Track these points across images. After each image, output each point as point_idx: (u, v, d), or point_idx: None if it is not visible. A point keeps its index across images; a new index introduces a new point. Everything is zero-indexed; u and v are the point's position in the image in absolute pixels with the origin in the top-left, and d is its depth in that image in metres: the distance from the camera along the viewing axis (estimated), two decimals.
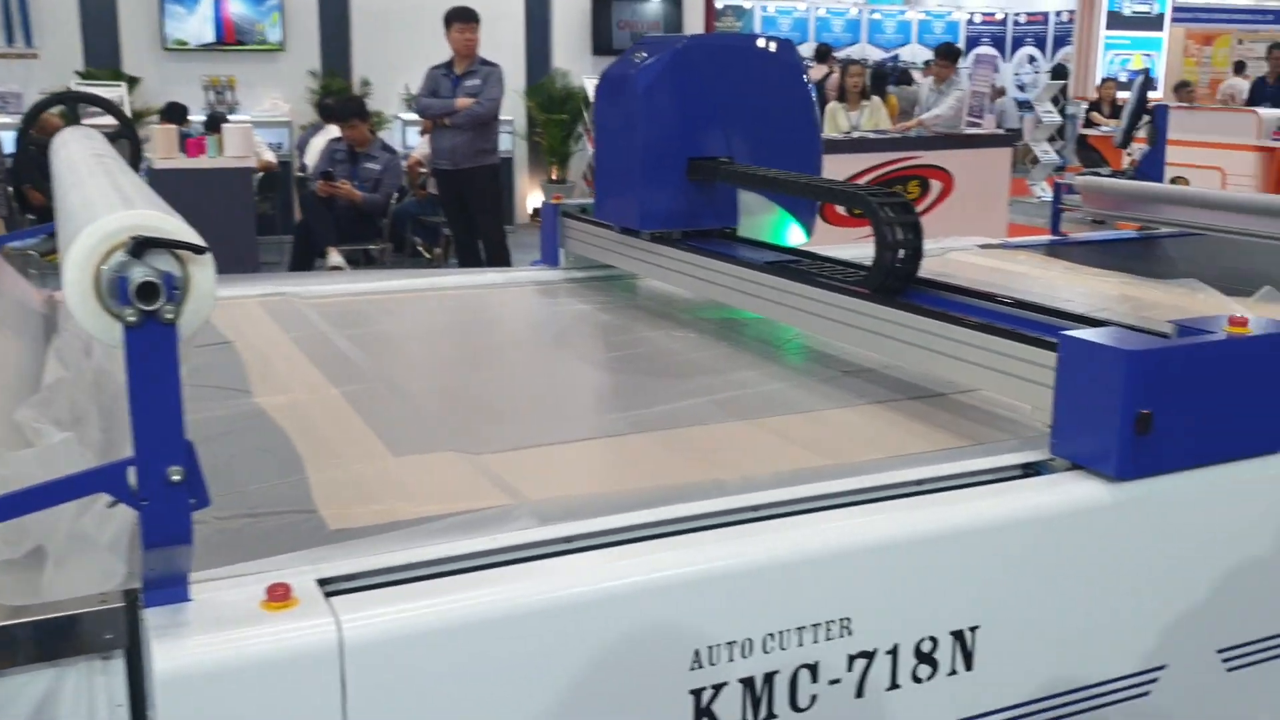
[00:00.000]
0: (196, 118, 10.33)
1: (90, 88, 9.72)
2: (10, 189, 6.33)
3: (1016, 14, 21.30)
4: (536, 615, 1.32)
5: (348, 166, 8.87)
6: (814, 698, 1.48)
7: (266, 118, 11.51)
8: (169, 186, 7.74)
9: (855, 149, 8.80)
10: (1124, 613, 1.67)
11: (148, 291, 1.13)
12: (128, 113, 9.38)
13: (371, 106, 10.51)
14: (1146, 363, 1.60)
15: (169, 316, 1.14)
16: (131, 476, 1.18)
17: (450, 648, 1.27)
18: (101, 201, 1.35)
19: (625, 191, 2.95)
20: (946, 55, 11.82)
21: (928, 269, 2.31)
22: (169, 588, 1.24)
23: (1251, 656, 1.79)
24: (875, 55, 20.14)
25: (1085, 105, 15.98)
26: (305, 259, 8.70)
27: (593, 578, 1.37)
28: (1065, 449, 1.69)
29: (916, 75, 17.32)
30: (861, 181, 7.81)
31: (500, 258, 8.11)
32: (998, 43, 21.19)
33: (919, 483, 1.64)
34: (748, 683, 1.44)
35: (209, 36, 11.65)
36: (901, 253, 2.23)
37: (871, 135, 9.77)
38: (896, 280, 2.24)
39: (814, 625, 1.46)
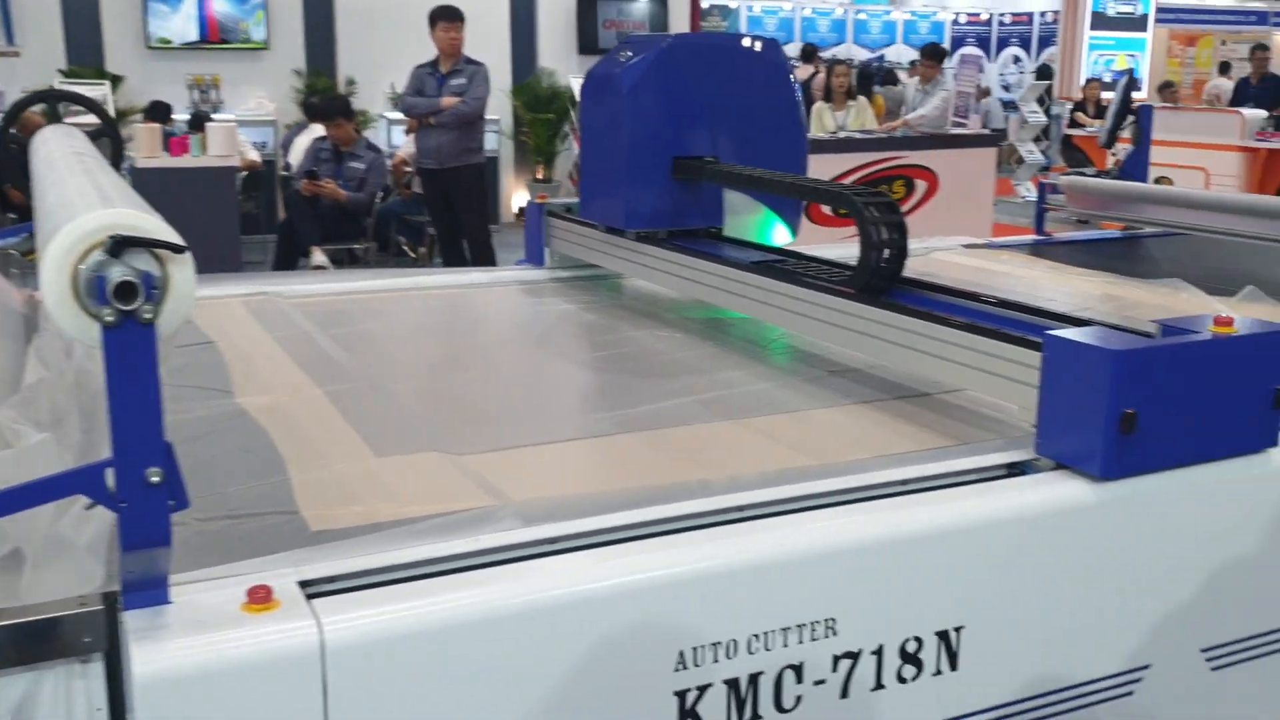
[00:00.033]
0: (180, 116, 10.28)
1: (73, 86, 9.65)
2: None
3: (1001, 14, 21.38)
4: (519, 617, 1.31)
5: (332, 165, 8.84)
6: (799, 698, 1.48)
7: (251, 117, 11.46)
8: (152, 185, 7.70)
9: (841, 149, 8.81)
10: (1108, 612, 1.68)
11: (126, 291, 1.12)
12: (111, 111, 9.33)
13: (356, 105, 10.47)
14: (1131, 362, 1.60)
15: (147, 316, 1.13)
16: (110, 478, 1.17)
17: (433, 650, 1.26)
18: (80, 200, 1.34)
19: (610, 191, 2.95)
20: (932, 55, 11.85)
21: (913, 269, 2.31)
22: (148, 590, 1.23)
23: (1235, 656, 1.80)
24: (861, 55, 20.18)
25: (1070, 105, 16.04)
26: (289, 258, 8.67)
27: (577, 579, 1.36)
28: (1050, 449, 1.69)
29: (902, 75, 17.35)
30: (847, 181, 7.82)
31: (485, 257, 8.09)
32: (983, 43, 21.26)
33: (904, 483, 1.64)
34: (732, 684, 1.43)
35: (193, 35, 11.59)
36: (887, 252, 2.23)
37: (857, 135, 9.78)
38: (882, 280, 2.24)
39: (799, 626, 1.45)
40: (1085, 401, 1.62)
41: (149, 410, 1.15)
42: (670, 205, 2.89)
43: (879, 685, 1.52)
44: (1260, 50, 15.66)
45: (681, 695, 1.41)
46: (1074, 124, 14.85)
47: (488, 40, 10.96)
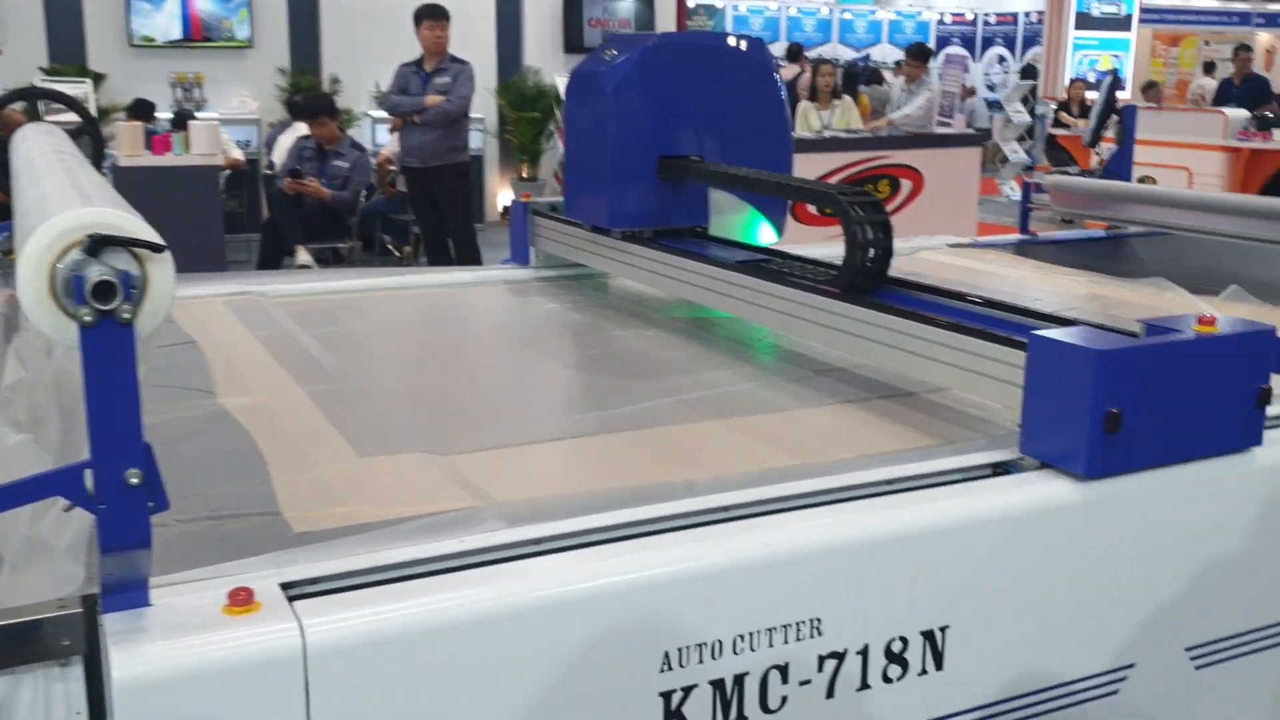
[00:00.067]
0: (164, 115, 10.22)
1: (54, 84, 9.59)
2: None
3: (986, 14, 21.45)
4: (503, 619, 1.30)
5: (316, 164, 8.81)
6: (784, 699, 1.47)
7: (234, 115, 11.42)
8: (135, 184, 7.66)
9: (826, 148, 8.82)
10: (1093, 611, 1.68)
11: (104, 291, 1.10)
12: (93, 110, 9.28)
13: (341, 104, 10.43)
14: (1116, 362, 1.60)
15: (126, 316, 1.12)
16: (89, 480, 1.16)
17: (416, 652, 1.26)
18: (58, 199, 1.32)
19: (595, 190, 2.94)
20: (917, 55, 11.87)
21: (898, 268, 2.31)
22: (128, 592, 1.22)
23: (1219, 654, 1.80)
24: (846, 55, 20.23)
25: (1054, 105, 16.10)
26: (273, 257, 8.63)
27: (561, 580, 1.36)
28: (1035, 448, 1.69)
29: (887, 75, 17.39)
30: (832, 181, 7.84)
31: (470, 256, 8.07)
32: (968, 43, 21.33)
33: (889, 482, 1.63)
34: (718, 684, 1.43)
35: (176, 33, 11.54)
36: (872, 252, 2.22)
37: (842, 135, 9.80)
38: (867, 279, 2.23)
39: (784, 626, 1.45)
40: (1070, 401, 1.62)
41: (128, 411, 1.14)
42: (655, 204, 2.88)
43: (864, 685, 1.52)
44: (1243, 50, 15.76)
45: (667, 696, 1.40)
46: (1058, 124, 14.90)
47: (473, 38, 10.94)
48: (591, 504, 1.51)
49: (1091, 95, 13.63)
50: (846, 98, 11.17)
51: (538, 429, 2.06)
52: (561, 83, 11.46)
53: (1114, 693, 1.70)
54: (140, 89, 10.77)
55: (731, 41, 3.07)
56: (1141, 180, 6.00)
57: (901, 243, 3.06)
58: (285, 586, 1.28)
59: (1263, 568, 1.82)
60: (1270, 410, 1.77)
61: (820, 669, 1.48)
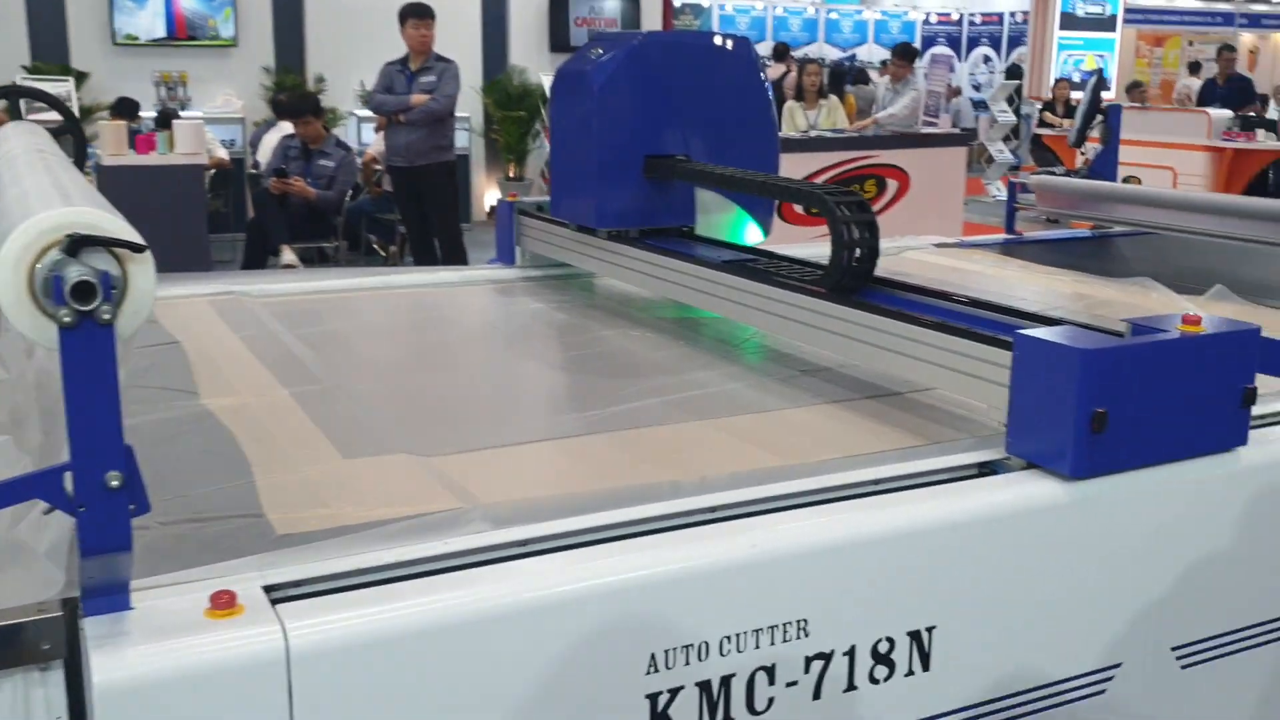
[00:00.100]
0: (147, 114, 10.18)
1: (36, 82, 9.53)
2: None
3: (972, 14, 21.51)
4: (488, 621, 1.29)
5: (301, 163, 8.78)
6: (771, 700, 1.47)
7: (219, 114, 11.37)
8: (118, 183, 7.62)
9: (812, 148, 8.83)
10: (1079, 611, 1.68)
11: (84, 291, 1.09)
12: (75, 109, 9.23)
13: (326, 103, 10.41)
14: (1101, 362, 1.60)
15: (106, 317, 1.11)
16: (68, 482, 1.15)
17: (400, 656, 1.25)
18: (38, 198, 1.31)
19: (581, 189, 2.93)
20: (903, 55, 11.90)
21: (884, 268, 2.31)
22: (109, 596, 1.21)
23: (1204, 654, 1.80)
24: (832, 54, 20.27)
25: (1039, 105, 16.15)
26: (258, 257, 8.60)
27: (547, 582, 1.35)
28: (1021, 448, 1.69)
29: (873, 75, 17.43)
30: (819, 180, 7.84)
31: (456, 256, 8.06)
32: (953, 43, 21.39)
33: (875, 483, 1.63)
34: (704, 686, 1.42)
35: (160, 31, 11.48)
36: (858, 251, 2.22)
37: (829, 134, 9.82)
38: (853, 279, 2.23)
39: (771, 627, 1.45)
40: (1055, 400, 1.62)
41: (108, 413, 1.13)
42: (642, 204, 2.88)
43: (851, 686, 1.52)
44: (1227, 51, 15.84)
45: (653, 698, 1.39)
46: (1043, 123, 14.95)
47: (458, 37, 10.92)
48: (577, 505, 1.50)
49: (1076, 95, 13.67)
50: (833, 97, 11.19)
51: (523, 430, 2.06)
52: (547, 82, 11.46)
53: (1101, 692, 1.70)
54: (124, 88, 10.71)
55: (718, 40, 3.06)
56: (1126, 180, 6.02)
57: (887, 242, 3.07)
58: (268, 589, 1.27)
59: (1248, 567, 1.83)
60: (1255, 410, 1.77)
61: (807, 670, 1.48)
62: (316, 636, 1.21)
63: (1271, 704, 1.91)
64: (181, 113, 10.58)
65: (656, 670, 1.39)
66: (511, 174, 12.46)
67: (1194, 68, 18.31)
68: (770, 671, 1.46)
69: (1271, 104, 15.68)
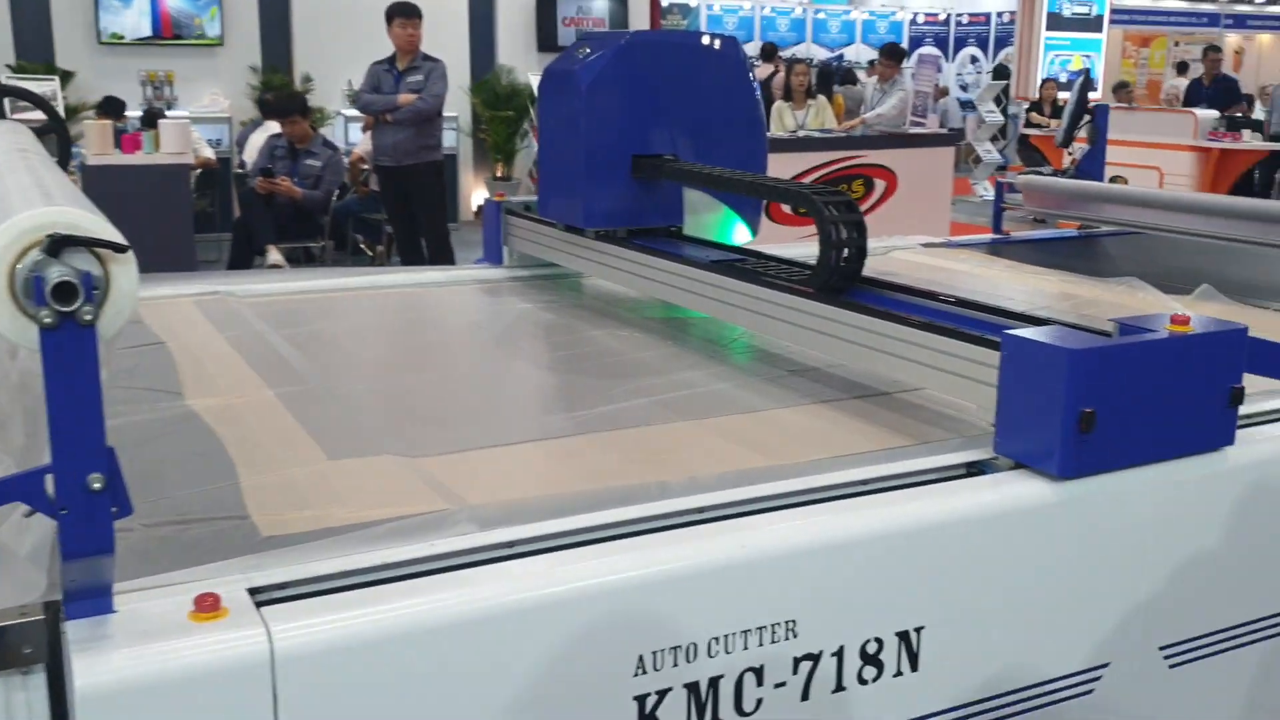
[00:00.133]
0: (133, 113, 10.14)
1: (21, 82, 9.49)
2: None
3: (959, 15, 21.56)
4: (475, 624, 1.28)
5: (288, 163, 8.75)
6: (759, 701, 1.46)
7: (205, 113, 11.33)
8: (104, 183, 7.59)
9: (800, 148, 8.85)
10: (1067, 611, 1.68)
11: (65, 292, 1.08)
12: (60, 108, 9.19)
13: (313, 102, 10.38)
14: (1089, 361, 1.60)
15: (88, 318, 1.09)
16: (50, 485, 1.13)
17: (386, 659, 1.24)
18: (19, 197, 1.30)
19: (569, 189, 2.92)
20: (891, 55, 11.91)
21: (872, 268, 2.31)
22: (91, 599, 1.20)
23: (1192, 653, 1.81)
24: (820, 54, 20.29)
25: (1026, 105, 16.20)
26: (244, 257, 8.57)
27: (534, 584, 1.34)
28: (1009, 448, 1.69)
29: (861, 75, 17.45)
30: (807, 180, 7.85)
31: (443, 256, 8.04)
32: (940, 43, 21.42)
33: (863, 483, 1.63)
34: (692, 687, 1.42)
35: (146, 30, 11.44)
36: (846, 251, 2.22)
37: (816, 134, 9.83)
38: (841, 279, 2.23)
39: (759, 628, 1.44)
40: (1044, 400, 1.62)
41: (90, 415, 1.12)
42: (630, 204, 2.87)
43: (840, 687, 1.51)
44: (1212, 51, 15.92)
45: (641, 700, 1.39)
46: (1030, 124, 15.00)
47: (446, 37, 10.89)
48: (564, 506, 1.49)
49: (1063, 95, 13.71)
50: (821, 97, 11.21)
51: (510, 430, 2.05)
52: (535, 81, 11.44)
53: (1089, 692, 1.70)
54: (109, 87, 10.67)
55: (706, 40, 3.06)
56: (1113, 180, 6.04)
57: (875, 242, 3.07)
58: (253, 592, 1.26)
59: (1235, 567, 1.83)
60: (1242, 409, 1.77)
61: (795, 671, 1.48)
62: (302, 639, 1.20)
63: (1259, 702, 1.91)
64: (168, 112, 10.55)
65: (644, 672, 1.38)
66: (499, 174, 12.44)
67: (1182, 68, 18.39)
68: (759, 672, 1.45)
69: (1257, 104, 15.78)
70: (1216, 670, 1.85)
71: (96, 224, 1.13)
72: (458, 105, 11.57)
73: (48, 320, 1.08)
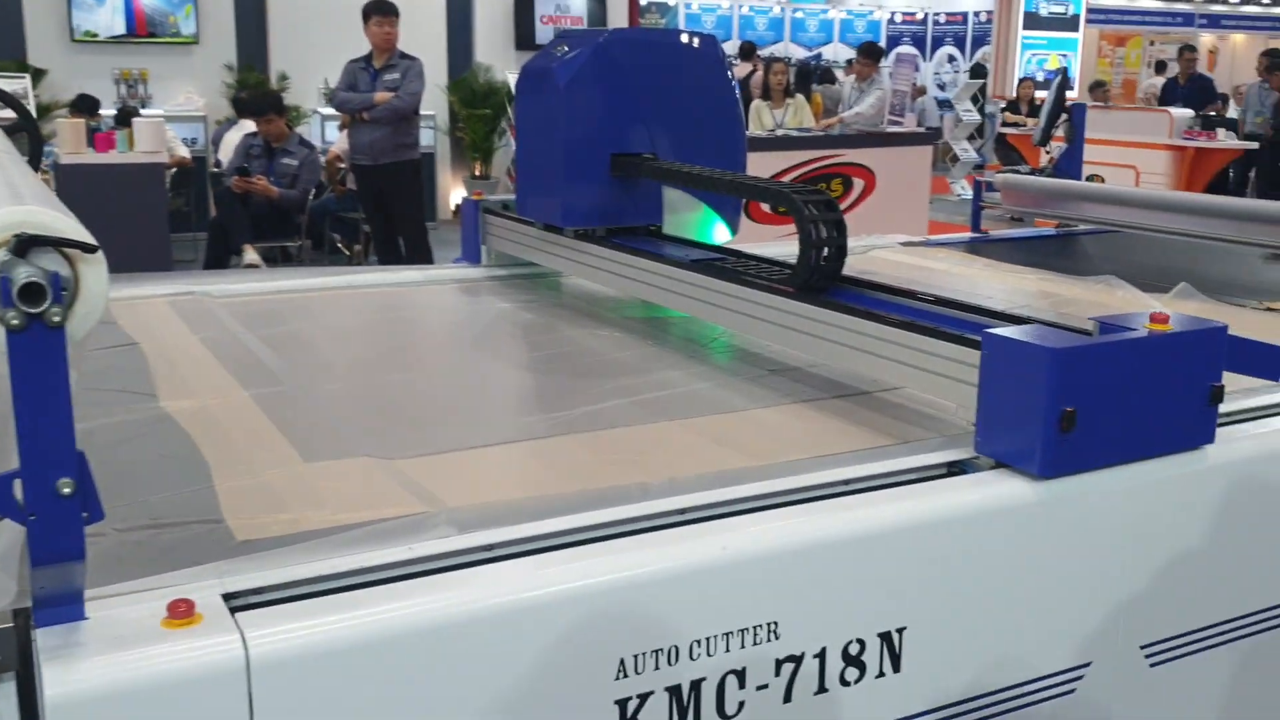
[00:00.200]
0: (107, 112, 10.06)
1: None
2: None
3: (936, 14, 21.66)
4: (454, 628, 1.27)
5: (264, 162, 8.70)
6: (741, 704, 1.45)
7: (180, 112, 11.26)
8: (77, 182, 7.53)
9: (779, 147, 8.87)
10: (1049, 611, 1.67)
11: (32, 293, 1.06)
12: (31, 106, 9.10)
13: (289, 101, 10.33)
14: (1070, 360, 1.59)
15: (56, 319, 1.07)
16: (18, 490, 1.11)
17: (364, 664, 1.22)
18: None
19: (548, 188, 2.91)
20: (869, 54, 11.96)
21: (851, 267, 2.31)
22: (62, 606, 1.17)
23: (1173, 652, 1.81)
24: (798, 53, 20.35)
25: (1003, 104, 16.27)
26: (220, 257, 8.52)
27: (513, 587, 1.33)
28: (989, 447, 1.69)
29: (839, 74, 17.49)
30: (786, 179, 7.85)
31: (421, 255, 8.01)
32: (918, 42, 21.52)
33: (844, 483, 1.62)
34: (674, 690, 1.41)
35: (119, 28, 11.35)
36: (826, 250, 2.21)
37: (795, 133, 9.84)
38: (821, 278, 2.22)
39: (741, 630, 1.43)
40: (1024, 399, 1.62)
41: (59, 418, 1.10)
42: (609, 203, 2.86)
43: (822, 689, 1.50)
44: (1188, 51, 16.03)
45: (622, 704, 1.37)
46: (1007, 122, 15.07)
47: (423, 35, 10.86)
48: (544, 508, 1.48)
49: (1040, 94, 13.78)
50: (799, 96, 11.21)
51: (489, 432, 2.03)
52: (513, 79, 11.41)
53: (1071, 691, 1.70)
54: (82, 85, 10.58)
55: (684, 38, 3.05)
56: (1090, 179, 6.07)
57: (854, 241, 3.06)
58: (227, 597, 1.24)
59: (1215, 565, 1.83)
60: (1222, 408, 1.78)
61: (778, 673, 1.47)
62: (277, 646, 1.18)
63: (1240, 700, 1.92)
64: (142, 110, 10.47)
65: (625, 675, 1.37)
66: (477, 172, 12.41)
67: (1160, 67, 18.54)
68: (741, 675, 1.44)
69: (1232, 103, 15.90)
70: (1197, 669, 1.85)
71: (65, 224, 1.11)
72: (435, 103, 11.53)
73: (14, 322, 1.06)
